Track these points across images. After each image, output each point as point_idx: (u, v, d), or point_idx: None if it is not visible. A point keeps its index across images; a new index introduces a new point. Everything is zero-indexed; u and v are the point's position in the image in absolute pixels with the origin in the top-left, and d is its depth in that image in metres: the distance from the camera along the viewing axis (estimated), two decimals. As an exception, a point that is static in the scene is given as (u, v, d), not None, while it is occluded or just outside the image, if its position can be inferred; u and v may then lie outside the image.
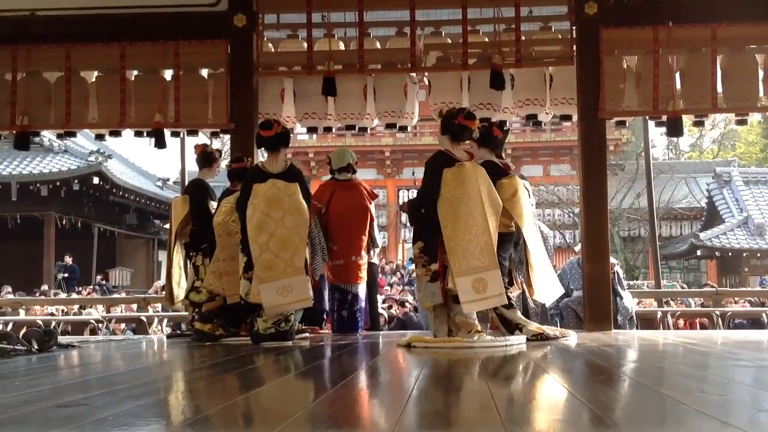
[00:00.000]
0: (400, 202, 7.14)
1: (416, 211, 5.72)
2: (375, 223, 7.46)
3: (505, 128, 6.83)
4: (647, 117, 7.85)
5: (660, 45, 7.15)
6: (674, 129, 7.28)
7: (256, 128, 6.70)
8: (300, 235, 6.03)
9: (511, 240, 5.99)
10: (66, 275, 20.88)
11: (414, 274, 5.86)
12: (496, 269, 5.47)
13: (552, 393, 3.38)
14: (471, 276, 5.40)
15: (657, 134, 43.54)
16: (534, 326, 5.90)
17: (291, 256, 5.95)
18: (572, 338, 6.02)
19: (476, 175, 5.59)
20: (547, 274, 6.15)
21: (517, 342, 5.65)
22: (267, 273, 5.90)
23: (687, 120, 7.68)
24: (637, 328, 8.29)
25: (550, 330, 5.97)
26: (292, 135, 10.22)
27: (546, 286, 6.11)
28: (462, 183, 5.52)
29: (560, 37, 7.69)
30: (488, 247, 5.46)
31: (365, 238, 7.23)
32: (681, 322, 10.24)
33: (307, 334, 6.68)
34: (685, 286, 19.27)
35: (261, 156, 7.09)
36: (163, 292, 8.32)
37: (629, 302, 8.16)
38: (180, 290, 7.00)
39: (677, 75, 7.31)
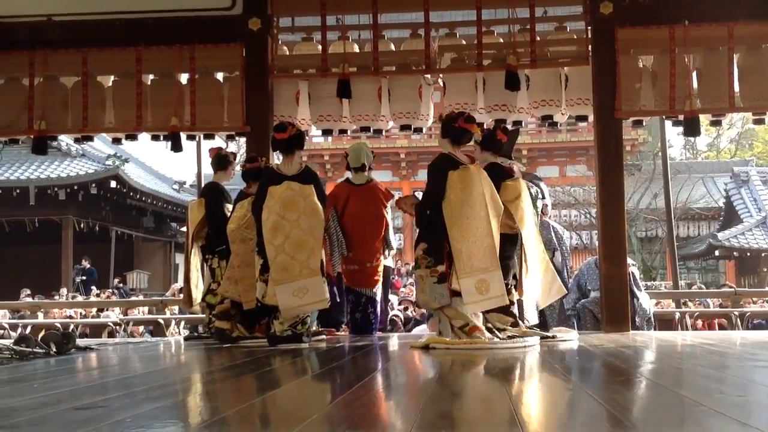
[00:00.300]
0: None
1: (422, 214, 5.76)
2: (390, 226, 7.45)
3: (511, 129, 6.84)
4: (664, 117, 7.81)
5: (676, 44, 7.11)
6: (691, 129, 7.24)
7: (271, 131, 6.74)
8: (315, 237, 6.04)
9: (515, 242, 6.01)
10: (84, 278, 20.99)
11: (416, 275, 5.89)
12: (498, 271, 5.54)
13: (570, 394, 3.36)
14: (475, 277, 5.47)
15: (674, 134, 43.24)
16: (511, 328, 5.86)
17: (306, 257, 5.96)
18: (573, 339, 6.05)
19: (480, 178, 5.65)
20: (544, 277, 6.19)
21: (535, 342, 5.68)
22: (283, 275, 5.91)
23: (704, 119, 7.64)
24: (655, 329, 8.24)
25: (535, 332, 5.93)
26: (307, 137, 10.25)
27: (541, 289, 6.14)
28: (467, 185, 5.58)
29: (575, 37, 7.66)
30: (491, 249, 5.54)
31: (380, 245, 7.23)
32: (699, 322, 10.16)
33: (324, 336, 6.68)
34: (703, 286, 19.15)
35: (276, 159, 7.11)
36: (181, 295, 8.35)
37: (646, 303, 8.10)
38: (198, 292, 7.02)
39: (694, 74, 7.26)
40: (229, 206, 6.83)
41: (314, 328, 6.48)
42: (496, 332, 5.71)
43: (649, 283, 20.78)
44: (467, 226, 5.51)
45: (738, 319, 9.20)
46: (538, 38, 7.46)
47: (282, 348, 5.82)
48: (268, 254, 5.96)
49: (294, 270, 5.92)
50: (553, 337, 6.04)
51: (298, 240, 5.95)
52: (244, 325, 6.58)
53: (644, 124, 8.61)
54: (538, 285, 6.10)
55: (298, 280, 5.91)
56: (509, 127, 7.34)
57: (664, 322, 9.06)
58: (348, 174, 7.58)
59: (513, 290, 5.97)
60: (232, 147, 10.28)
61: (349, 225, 7.07)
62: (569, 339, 6.07)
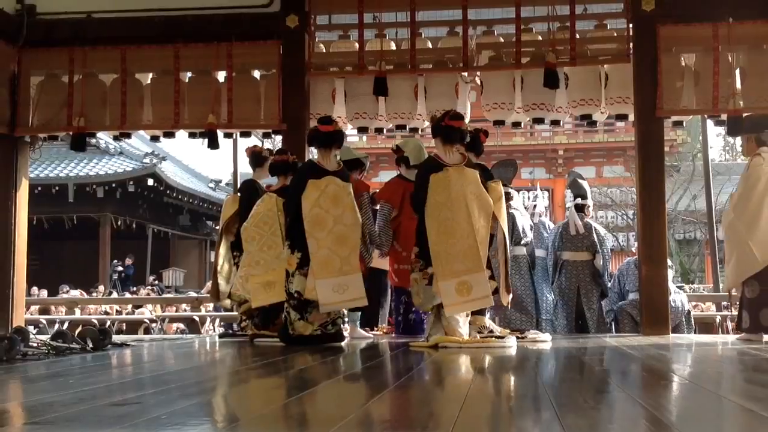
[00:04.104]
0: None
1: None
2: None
3: (508, 160, 6.96)
4: (706, 116, 7.67)
5: (720, 42, 6.97)
6: (734, 128, 7.09)
7: (312, 124, 6.76)
8: (356, 234, 6.01)
9: (492, 242, 6.02)
10: (123, 276, 21.18)
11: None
12: (481, 272, 5.54)
13: (611, 396, 3.29)
14: (455, 279, 5.51)
15: (713, 135, 42.68)
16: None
17: (348, 254, 5.92)
18: (547, 341, 6.07)
19: (461, 179, 5.68)
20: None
21: (546, 339, 6.07)
22: (324, 269, 5.86)
23: (747, 119, 7.48)
24: (695, 333, 8.11)
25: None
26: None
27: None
28: (446, 188, 5.66)
29: (616, 34, 7.54)
30: (472, 250, 5.55)
31: None
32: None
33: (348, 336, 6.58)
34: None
35: (311, 155, 7.06)
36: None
37: (678, 300, 7.93)
38: (228, 287, 7.02)
39: (737, 73, 7.12)
40: None
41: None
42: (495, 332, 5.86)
43: (687, 287, 20.47)
44: (445, 229, 5.59)
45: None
46: (578, 36, 7.36)
47: (314, 347, 5.76)
48: (309, 247, 5.88)
49: (335, 265, 5.89)
50: (524, 337, 6.11)
51: (341, 235, 5.92)
52: (259, 323, 6.55)
53: (684, 124, 8.47)
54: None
55: (339, 276, 5.87)
56: (547, 125, 7.26)
57: (705, 326, 8.91)
58: (402, 170, 7.36)
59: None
60: (267, 145, 10.30)
61: (406, 223, 6.94)
62: (543, 341, 6.11)
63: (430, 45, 7.79)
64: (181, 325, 10.99)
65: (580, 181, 8.31)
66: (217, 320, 10.60)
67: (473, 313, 5.83)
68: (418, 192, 5.78)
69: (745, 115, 6.83)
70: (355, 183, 6.92)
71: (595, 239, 7.78)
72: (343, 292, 5.87)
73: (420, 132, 8.81)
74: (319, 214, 5.93)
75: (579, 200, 8.03)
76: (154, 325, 10.55)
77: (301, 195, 5.98)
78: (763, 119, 6.48)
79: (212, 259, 26.48)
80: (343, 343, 5.97)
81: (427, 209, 5.68)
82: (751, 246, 5.95)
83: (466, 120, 7.87)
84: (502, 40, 7.71)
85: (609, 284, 8.04)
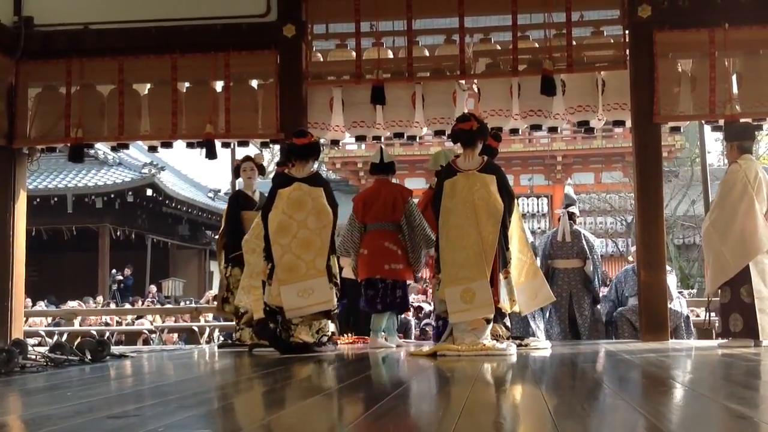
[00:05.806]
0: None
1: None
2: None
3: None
4: (703, 121, 7.69)
5: (716, 47, 7.00)
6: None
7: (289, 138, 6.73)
8: (322, 238, 5.99)
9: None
10: (122, 286, 21.13)
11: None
12: (484, 280, 5.52)
13: (609, 403, 3.28)
14: (459, 286, 5.52)
15: (711, 140, 42.67)
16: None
17: (313, 257, 5.92)
18: (546, 348, 6.07)
19: (469, 184, 5.68)
20: (531, 282, 6.22)
21: (546, 346, 6.02)
22: (289, 275, 5.87)
23: (744, 124, 7.49)
24: (694, 338, 8.09)
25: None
26: (340, 145, 10.21)
27: (527, 295, 6.16)
28: (454, 194, 5.68)
29: (612, 41, 7.56)
30: (477, 258, 5.54)
31: None
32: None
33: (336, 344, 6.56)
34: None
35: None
36: (215, 302, 8.37)
37: (677, 303, 7.92)
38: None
39: (734, 78, 7.15)
40: (251, 213, 6.79)
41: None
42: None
43: (686, 292, 20.47)
44: (453, 236, 5.62)
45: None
46: (575, 43, 7.37)
47: (309, 355, 5.75)
48: (274, 253, 5.90)
49: (300, 270, 5.88)
50: (526, 345, 6.09)
51: (306, 240, 5.92)
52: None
53: (681, 129, 8.48)
54: (522, 291, 6.11)
55: (304, 281, 5.86)
56: (545, 132, 7.28)
57: (704, 331, 8.89)
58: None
59: None
60: (266, 154, 10.31)
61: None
62: (543, 348, 6.10)
63: (427, 53, 7.80)
64: (178, 338, 10.99)
65: (569, 189, 8.40)
66: (217, 330, 10.59)
67: (494, 321, 5.77)
68: (435, 198, 5.88)
69: (725, 123, 6.89)
70: (399, 188, 6.93)
71: (585, 246, 7.81)
72: (309, 297, 5.86)
73: (418, 140, 8.83)
74: (283, 221, 5.95)
75: (571, 208, 8.08)
76: (153, 335, 10.54)
77: (272, 206, 6.03)
78: (743, 127, 6.53)
79: (212, 269, 26.49)
80: (338, 350, 5.98)
81: (440, 215, 5.74)
82: (724, 252, 6.01)
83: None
84: (498, 47, 7.73)
85: (605, 291, 8.05)
